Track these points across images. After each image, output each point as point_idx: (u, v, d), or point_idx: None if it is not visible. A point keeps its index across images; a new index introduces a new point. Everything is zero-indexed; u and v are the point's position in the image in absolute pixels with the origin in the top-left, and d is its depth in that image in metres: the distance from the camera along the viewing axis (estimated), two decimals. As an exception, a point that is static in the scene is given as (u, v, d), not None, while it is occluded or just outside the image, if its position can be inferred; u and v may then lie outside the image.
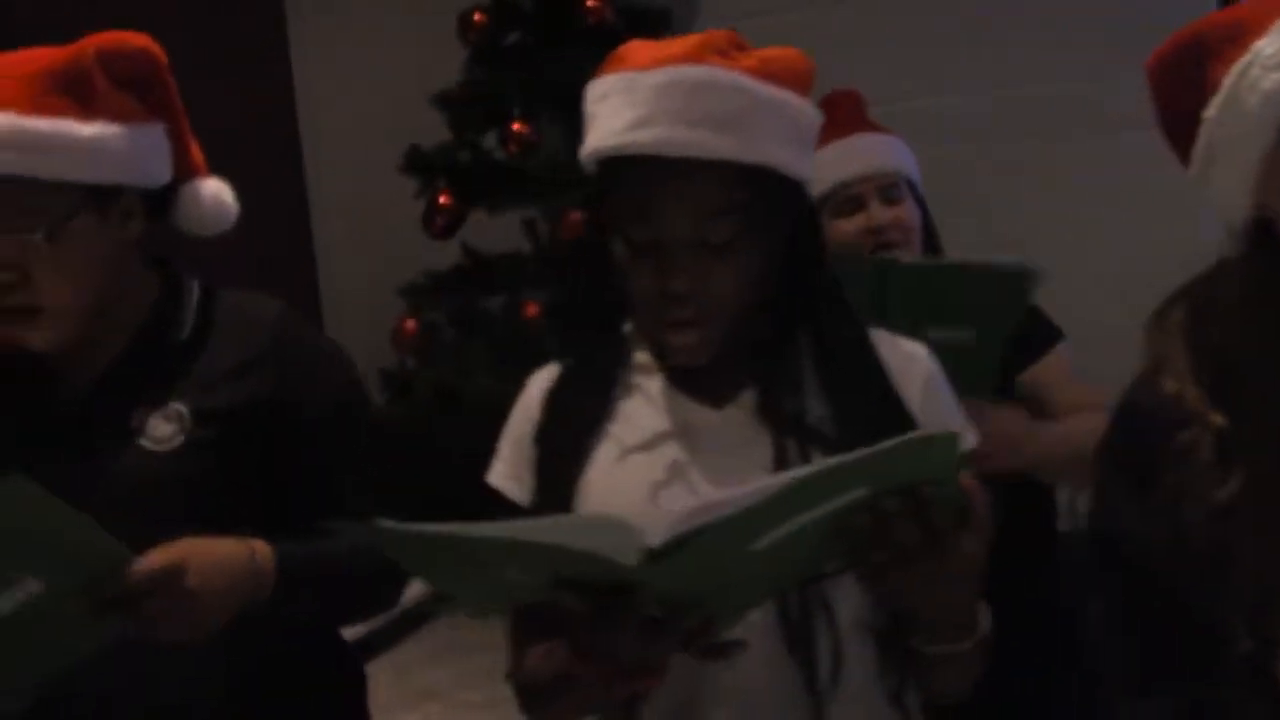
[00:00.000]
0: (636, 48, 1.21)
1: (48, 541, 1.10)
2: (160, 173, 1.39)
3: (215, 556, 1.24)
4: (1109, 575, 1.06)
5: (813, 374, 1.20)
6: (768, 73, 1.18)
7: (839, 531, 0.97)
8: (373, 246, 4.77)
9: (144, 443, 1.35)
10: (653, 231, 1.16)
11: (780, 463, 1.15)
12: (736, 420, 1.20)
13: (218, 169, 1.49)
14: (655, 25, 4.18)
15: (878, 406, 1.18)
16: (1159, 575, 1.01)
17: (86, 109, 1.31)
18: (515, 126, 3.99)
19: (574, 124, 4.24)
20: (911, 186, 2.11)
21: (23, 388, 1.39)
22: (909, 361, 1.24)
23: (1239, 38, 0.99)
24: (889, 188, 2.06)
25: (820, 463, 0.96)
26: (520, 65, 4.15)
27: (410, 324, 4.15)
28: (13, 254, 1.29)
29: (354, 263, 4.90)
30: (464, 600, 1.03)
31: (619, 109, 1.16)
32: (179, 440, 1.35)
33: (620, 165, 1.18)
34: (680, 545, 0.92)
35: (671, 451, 1.20)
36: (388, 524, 0.89)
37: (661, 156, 1.14)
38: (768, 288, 1.20)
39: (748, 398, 1.21)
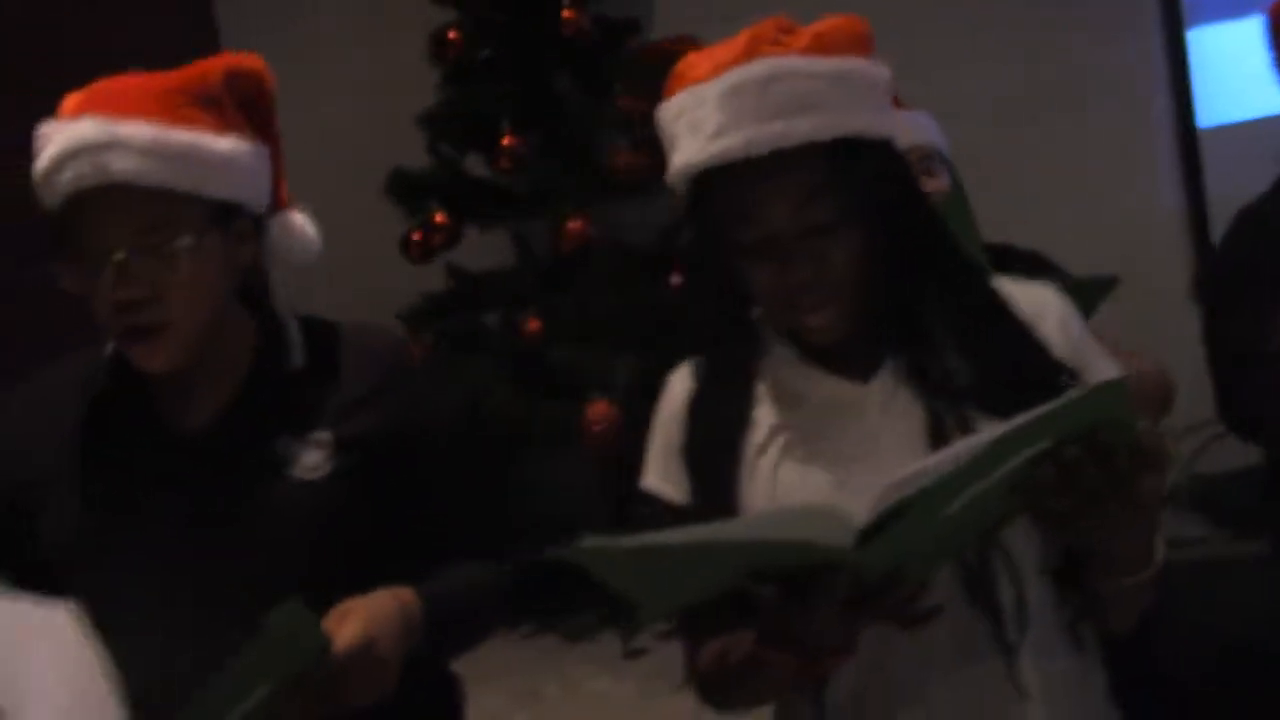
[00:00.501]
0: (693, 61, 1.23)
1: (290, 651, 1.09)
2: (266, 197, 1.38)
3: (386, 617, 1.22)
4: None
5: (946, 333, 1.20)
6: (823, 47, 1.19)
7: (1022, 483, 0.99)
8: (342, 276, 4.70)
9: (294, 472, 1.33)
10: (760, 230, 1.17)
11: (936, 428, 1.16)
12: (885, 391, 1.21)
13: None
14: (629, 34, 4.17)
15: (1021, 356, 1.19)
16: None
17: (220, 124, 1.31)
18: (505, 142, 3.95)
19: (558, 136, 4.16)
20: (944, 160, 2.12)
21: (138, 425, 1.37)
22: (1040, 305, 1.24)
23: None
24: (924, 160, 2.06)
25: (1008, 422, 0.97)
26: (499, 81, 4.12)
27: (413, 348, 4.11)
28: (152, 269, 1.27)
29: (325, 295, 4.80)
30: (652, 609, 1.03)
31: (696, 124, 1.18)
32: (327, 468, 1.33)
33: (710, 175, 1.19)
34: (886, 522, 0.92)
35: (820, 433, 1.20)
36: (593, 542, 0.89)
37: (749, 158, 1.16)
38: (883, 254, 1.20)
39: (891, 367, 1.21)
